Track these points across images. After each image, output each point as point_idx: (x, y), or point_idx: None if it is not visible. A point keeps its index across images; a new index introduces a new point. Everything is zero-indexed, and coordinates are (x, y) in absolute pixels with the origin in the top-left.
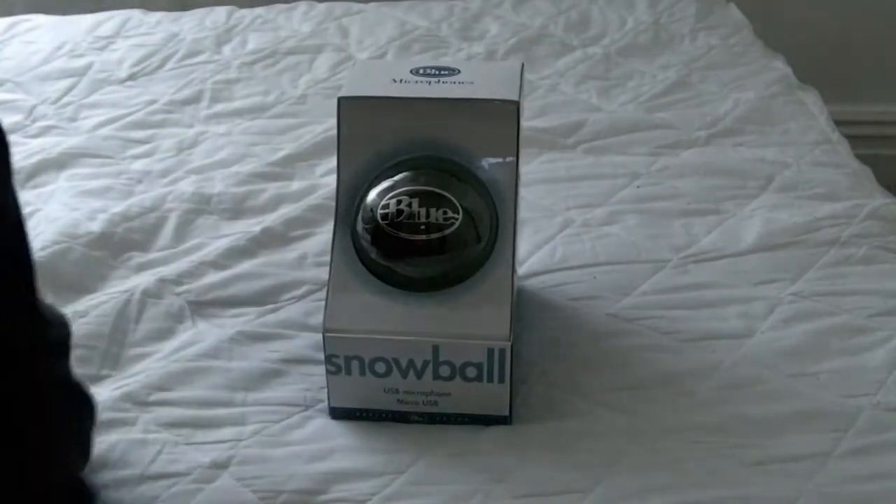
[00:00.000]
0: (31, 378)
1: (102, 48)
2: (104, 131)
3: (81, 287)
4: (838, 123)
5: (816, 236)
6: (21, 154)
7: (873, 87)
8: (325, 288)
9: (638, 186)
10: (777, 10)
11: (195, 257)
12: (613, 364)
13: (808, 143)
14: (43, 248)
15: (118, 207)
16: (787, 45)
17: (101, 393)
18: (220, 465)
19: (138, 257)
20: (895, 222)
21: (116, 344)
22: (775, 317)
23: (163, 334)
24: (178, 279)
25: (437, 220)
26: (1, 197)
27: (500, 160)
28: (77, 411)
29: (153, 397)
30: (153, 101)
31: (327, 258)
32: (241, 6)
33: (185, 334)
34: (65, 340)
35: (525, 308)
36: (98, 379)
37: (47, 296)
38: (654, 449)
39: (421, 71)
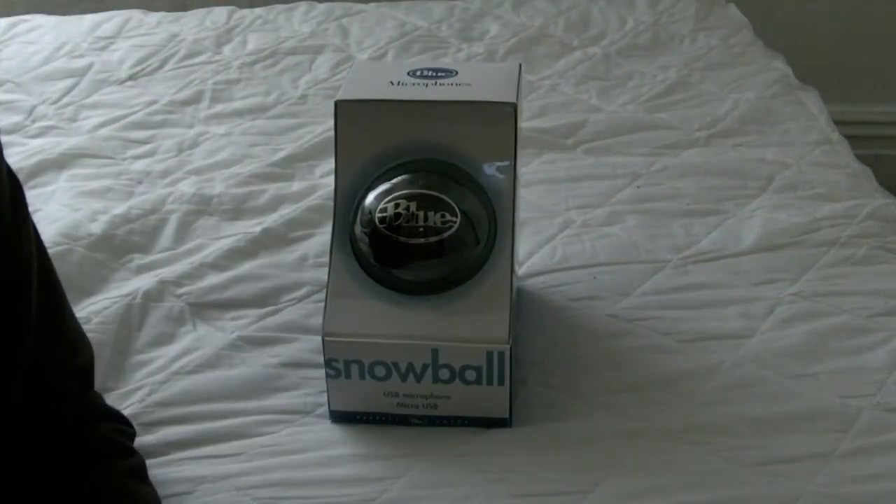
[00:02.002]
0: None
1: (103, 49)
2: (104, 132)
3: (83, 290)
4: (838, 123)
5: (816, 236)
6: (21, 154)
7: (873, 87)
8: (325, 290)
9: (638, 187)
10: (777, 10)
11: (196, 259)
12: (613, 365)
13: (808, 143)
14: None
15: (119, 209)
16: (787, 45)
17: None
18: (222, 477)
19: (139, 259)
20: (895, 222)
21: (120, 353)
22: (775, 317)
23: (164, 339)
24: (179, 281)
25: (435, 223)
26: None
27: (497, 162)
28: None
29: (155, 415)
30: (153, 102)
31: (327, 259)
32: (242, 7)
33: (185, 339)
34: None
35: (525, 308)
36: (103, 391)
37: None
38: (654, 450)
39: (418, 73)
